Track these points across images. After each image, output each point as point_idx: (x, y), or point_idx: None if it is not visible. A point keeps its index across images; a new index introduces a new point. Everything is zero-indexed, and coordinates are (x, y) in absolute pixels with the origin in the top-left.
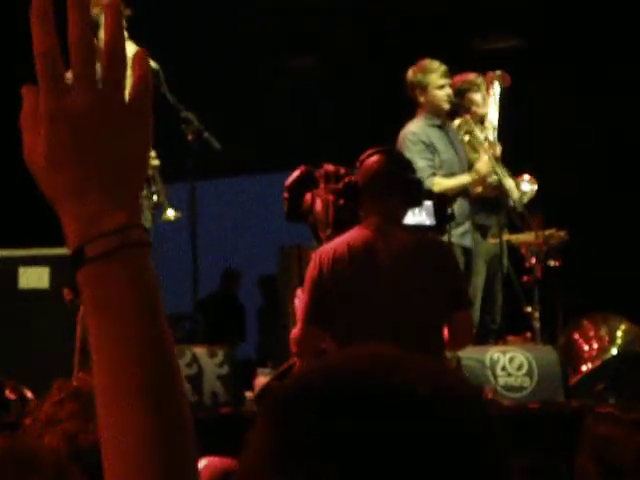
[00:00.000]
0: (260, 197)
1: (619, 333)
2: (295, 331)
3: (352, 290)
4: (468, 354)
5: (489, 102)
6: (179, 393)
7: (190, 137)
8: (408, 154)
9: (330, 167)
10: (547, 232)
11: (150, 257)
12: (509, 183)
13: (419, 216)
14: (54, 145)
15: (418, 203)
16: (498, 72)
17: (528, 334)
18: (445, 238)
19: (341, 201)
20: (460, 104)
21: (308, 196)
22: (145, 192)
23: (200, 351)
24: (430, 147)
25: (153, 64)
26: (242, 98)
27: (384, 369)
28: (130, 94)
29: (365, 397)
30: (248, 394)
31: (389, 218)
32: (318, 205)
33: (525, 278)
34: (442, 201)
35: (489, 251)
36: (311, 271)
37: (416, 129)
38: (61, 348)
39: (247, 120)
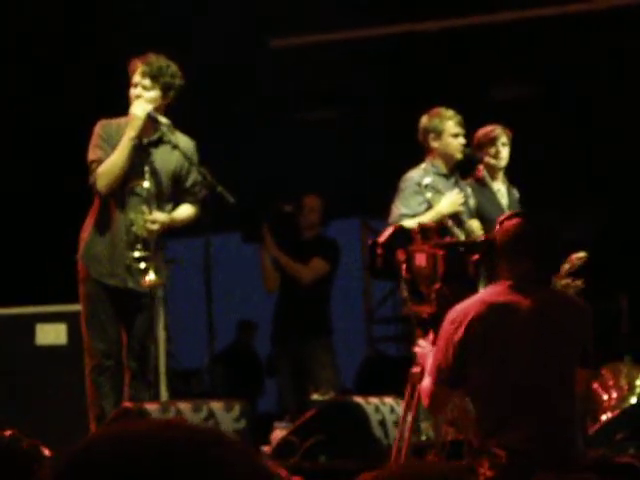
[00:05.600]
0: None
1: (638, 382)
2: (426, 386)
3: (492, 348)
4: None
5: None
6: None
7: (204, 192)
8: (401, 198)
9: (428, 223)
10: (563, 282)
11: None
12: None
13: None
14: None
15: (556, 268)
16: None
17: None
18: None
19: (475, 257)
20: (476, 156)
21: (401, 252)
22: (142, 254)
23: (216, 406)
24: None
25: (164, 119)
26: (255, 150)
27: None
28: None
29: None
30: (265, 448)
31: (525, 279)
32: (421, 260)
33: None
34: None
35: None
36: (447, 331)
37: (417, 176)
38: (78, 404)
39: (257, 171)
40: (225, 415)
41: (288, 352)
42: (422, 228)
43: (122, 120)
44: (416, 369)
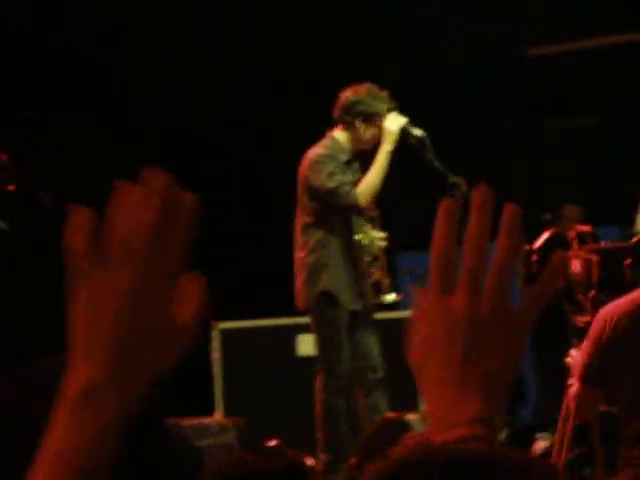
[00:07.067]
0: None
1: None
2: (573, 390)
3: (636, 351)
4: None
5: None
6: None
7: None
8: None
9: (585, 227)
10: None
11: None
12: None
13: None
14: (429, 338)
15: None
16: None
17: None
18: None
19: (628, 260)
20: None
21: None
22: (380, 273)
23: None
24: None
25: (419, 131)
26: (513, 159)
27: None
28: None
29: None
30: None
31: None
32: (576, 266)
33: None
34: None
35: None
36: (594, 330)
37: None
38: None
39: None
40: None
41: (539, 362)
42: (578, 233)
43: (331, 143)
44: (571, 380)
